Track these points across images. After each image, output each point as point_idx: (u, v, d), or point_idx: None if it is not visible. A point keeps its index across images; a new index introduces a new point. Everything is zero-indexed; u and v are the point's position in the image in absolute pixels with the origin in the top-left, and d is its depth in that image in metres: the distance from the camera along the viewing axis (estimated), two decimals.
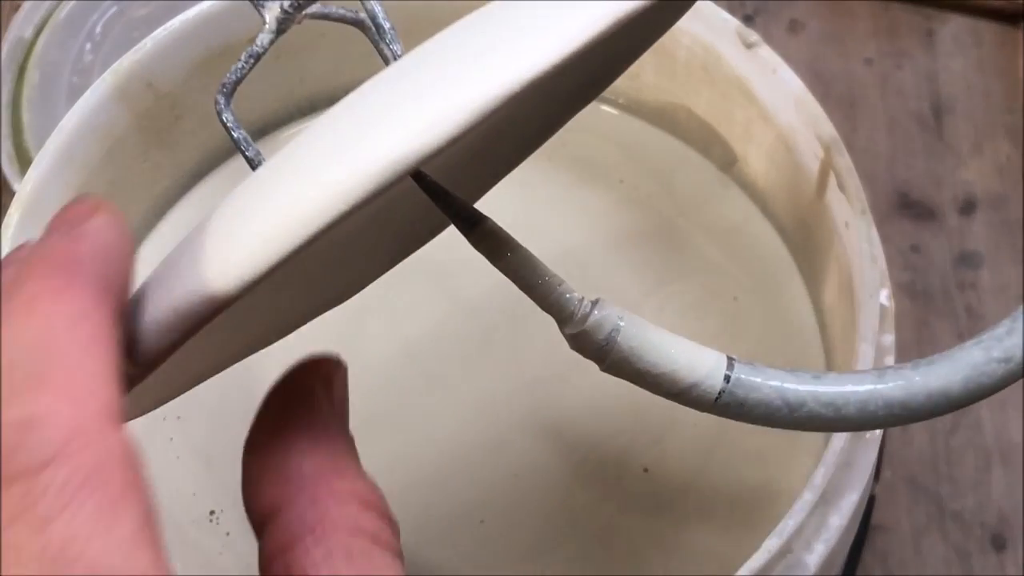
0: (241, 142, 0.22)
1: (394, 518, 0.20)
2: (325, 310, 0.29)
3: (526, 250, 0.22)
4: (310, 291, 0.27)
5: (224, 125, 0.22)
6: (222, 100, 0.22)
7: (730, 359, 0.22)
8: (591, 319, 0.21)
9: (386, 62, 0.23)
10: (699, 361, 0.21)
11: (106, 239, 0.19)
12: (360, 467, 0.21)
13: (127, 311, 0.19)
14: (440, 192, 0.22)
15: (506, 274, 0.22)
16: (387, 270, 0.29)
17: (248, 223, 0.17)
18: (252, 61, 0.23)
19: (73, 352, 0.17)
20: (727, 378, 0.21)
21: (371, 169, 0.17)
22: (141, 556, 0.16)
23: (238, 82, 0.22)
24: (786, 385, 0.21)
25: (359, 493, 0.20)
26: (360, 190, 0.17)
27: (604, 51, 0.21)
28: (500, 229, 0.22)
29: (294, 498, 0.19)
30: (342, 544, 0.19)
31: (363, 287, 0.30)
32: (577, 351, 0.22)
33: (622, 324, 0.21)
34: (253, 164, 0.22)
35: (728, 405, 0.22)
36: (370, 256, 0.29)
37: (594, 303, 0.22)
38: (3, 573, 0.16)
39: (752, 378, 0.21)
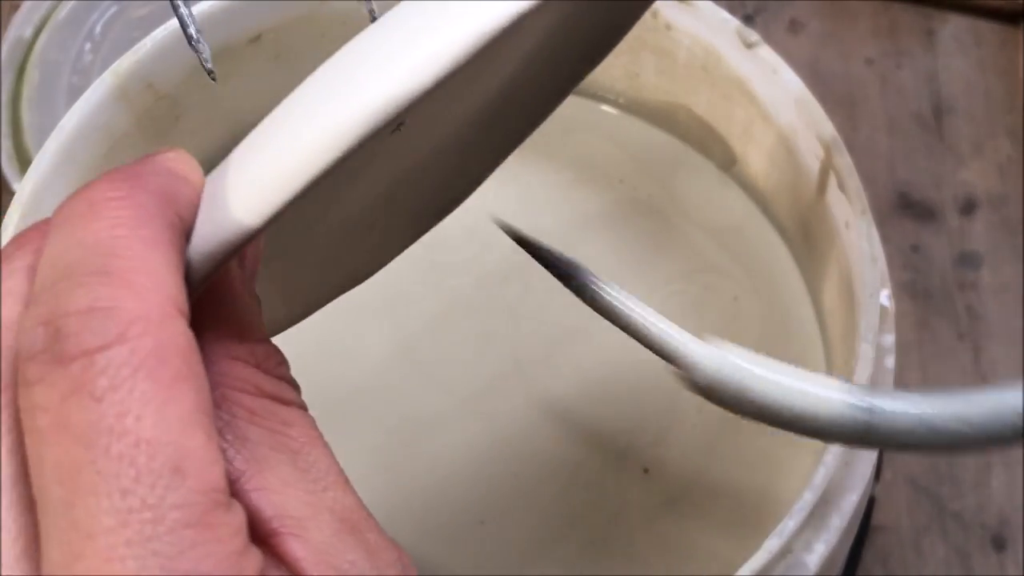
0: (184, 18, 0.23)
1: (295, 381, 0.20)
2: (342, 291, 0.30)
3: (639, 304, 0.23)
4: (333, 261, 0.28)
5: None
6: None
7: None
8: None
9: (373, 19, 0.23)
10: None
11: (171, 164, 0.19)
12: (263, 330, 0.20)
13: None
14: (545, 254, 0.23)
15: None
16: (399, 252, 0.30)
17: (261, 165, 0.19)
18: None
19: (136, 249, 0.17)
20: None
21: (366, 111, 0.18)
22: (192, 437, 0.17)
23: None
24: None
25: (258, 355, 0.19)
26: (365, 124, 0.18)
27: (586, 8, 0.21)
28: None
29: None
30: (244, 405, 0.19)
31: (379, 268, 0.30)
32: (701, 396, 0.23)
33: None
34: (191, 41, 0.23)
35: None
36: (383, 236, 0.29)
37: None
38: (56, 446, 0.16)
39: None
